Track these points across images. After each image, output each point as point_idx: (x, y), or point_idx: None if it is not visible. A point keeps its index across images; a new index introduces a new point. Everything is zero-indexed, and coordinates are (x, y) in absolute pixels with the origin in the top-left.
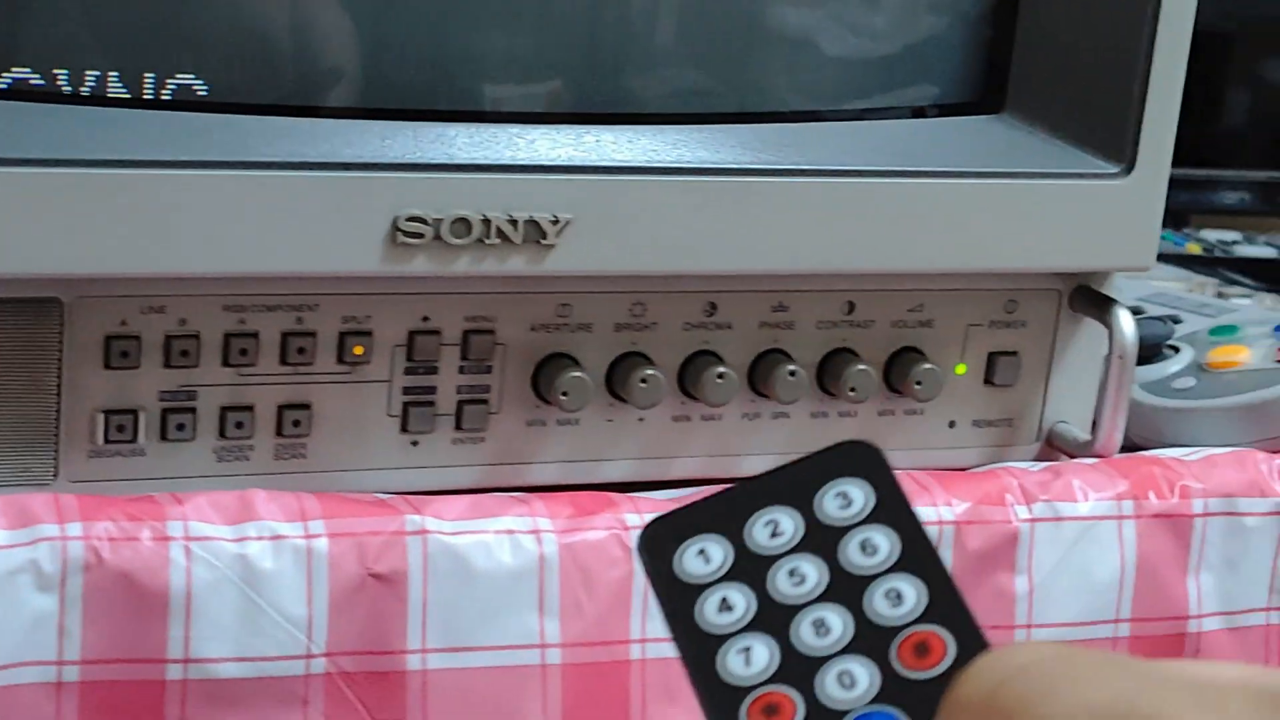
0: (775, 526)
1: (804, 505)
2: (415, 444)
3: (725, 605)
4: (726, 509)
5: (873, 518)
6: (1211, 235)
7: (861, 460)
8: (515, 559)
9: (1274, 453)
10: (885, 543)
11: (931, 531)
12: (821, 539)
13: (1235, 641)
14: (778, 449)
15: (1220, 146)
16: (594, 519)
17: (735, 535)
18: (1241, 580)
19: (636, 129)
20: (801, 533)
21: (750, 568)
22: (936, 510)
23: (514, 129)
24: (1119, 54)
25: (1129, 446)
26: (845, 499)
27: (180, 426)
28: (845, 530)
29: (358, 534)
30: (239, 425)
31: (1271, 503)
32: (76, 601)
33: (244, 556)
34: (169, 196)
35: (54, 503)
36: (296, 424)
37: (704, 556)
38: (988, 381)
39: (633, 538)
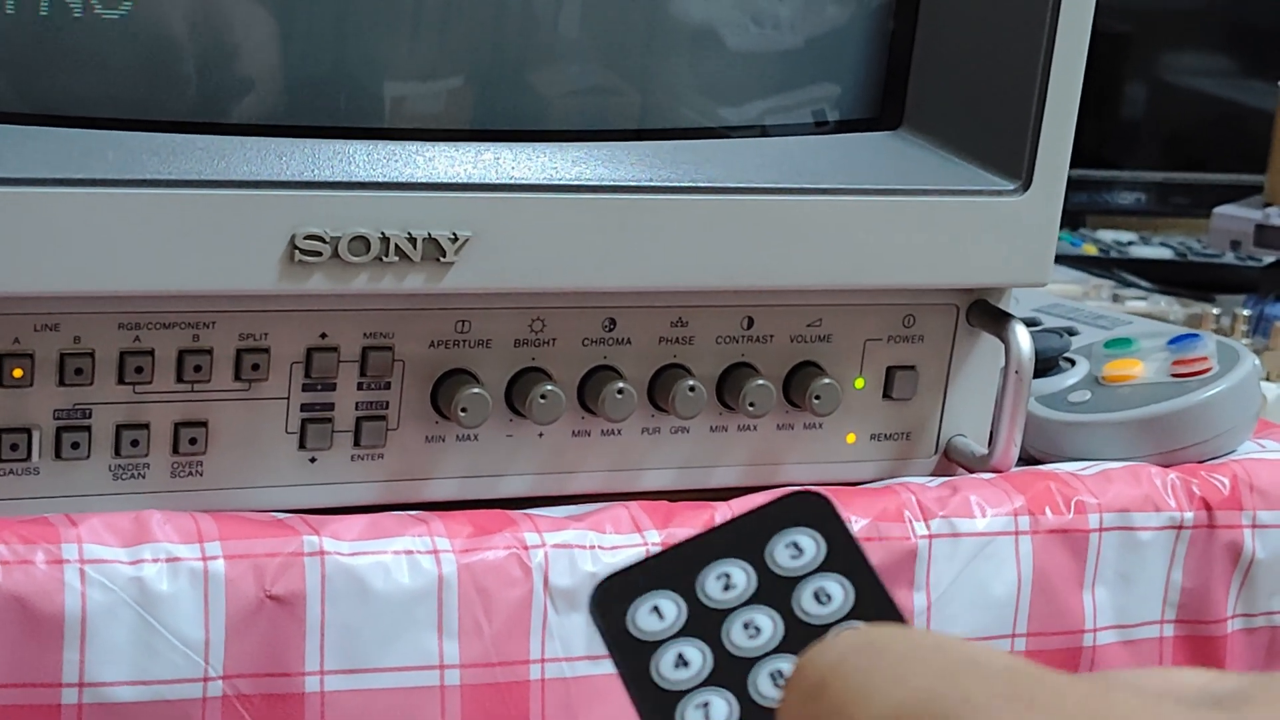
0: (728, 580)
1: (755, 557)
2: (313, 460)
3: (681, 661)
4: (677, 564)
5: (825, 566)
6: (1107, 236)
7: (810, 510)
8: (414, 580)
9: (1168, 467)
10: (839, 590)
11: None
12: (774, 589)
13: (1130, 654)
14: (677, 463)
15: (1116, 147)
16: (493, 538)
17: (688, 590)
18: (1135, 594)
19: (536, 146)
20: (754, 585)
21: (704, 622)
22: None
23: (413, 146)
24: (1016, 72)
25: (1026, 459)
26: (796, 549)
27: (75, 445)
28: (798, 580)
29: (255, 555)
30: (134, 444)
31: (1165, 517)
32: None
33: (139, 579)
34: (62, 214)
35: None
36: (193, 441)
37: (657, 613)
38: (886, 395)
39: (532, 556)
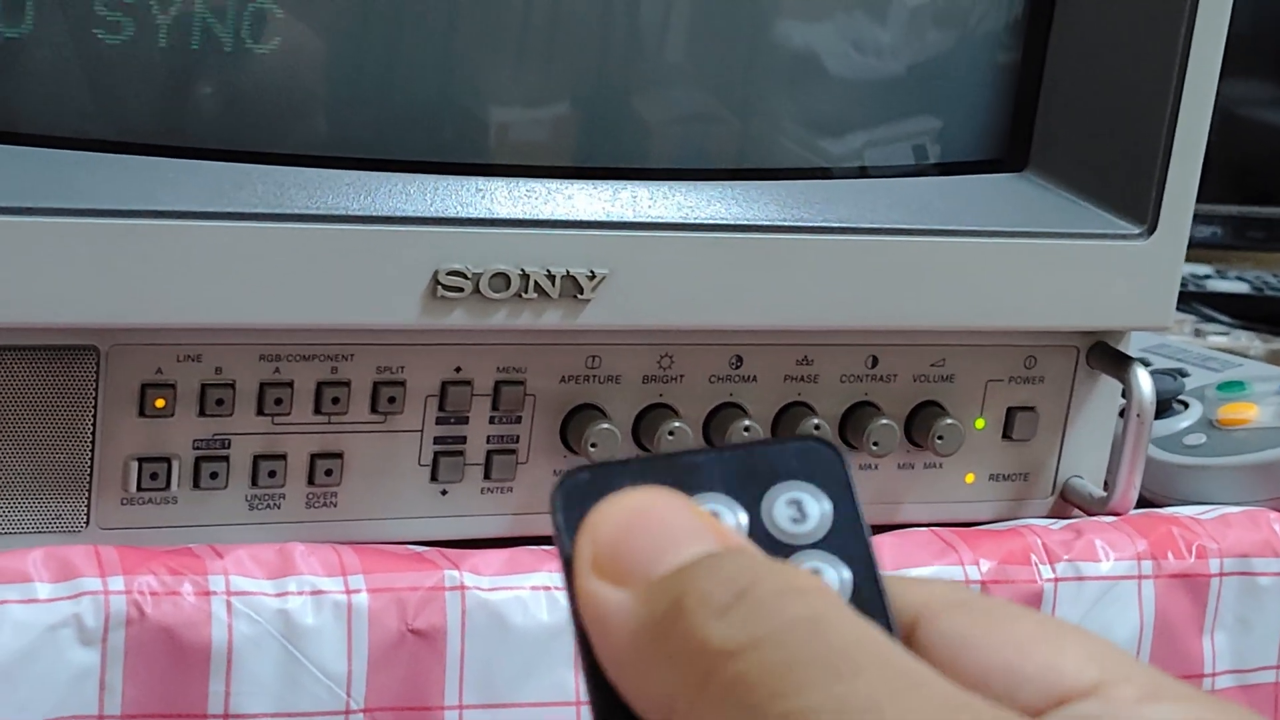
0: (717, 517)
1: (751, 503)
2: (444, 493)
3: None
4: (663, 477)
5: (825, 543)
6: (1185, 269)
7: (822, 466)
8: (551, 615)
9: None
10: (833, 576)
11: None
12: (765, 550)
13: (1246, 698)
14: None
15: None
16: None
17: None
18: (1254, 639)
19: (672, 185)
20: (744, 533)
21: None
22: (963, 569)
23: (553, 184)
24: (1144, 116)
25: (1140, 501)
26: (799, 510)
27: (213, 475)
28: (792, 550)
29: (397, 589)
30: (271, 474)
31: None
32: (118, 656)
33: (285, 612)
34: (209, 247)
35: (94, 555)
36: (329, 473)
37: None
38: (1005, 436)
39: None
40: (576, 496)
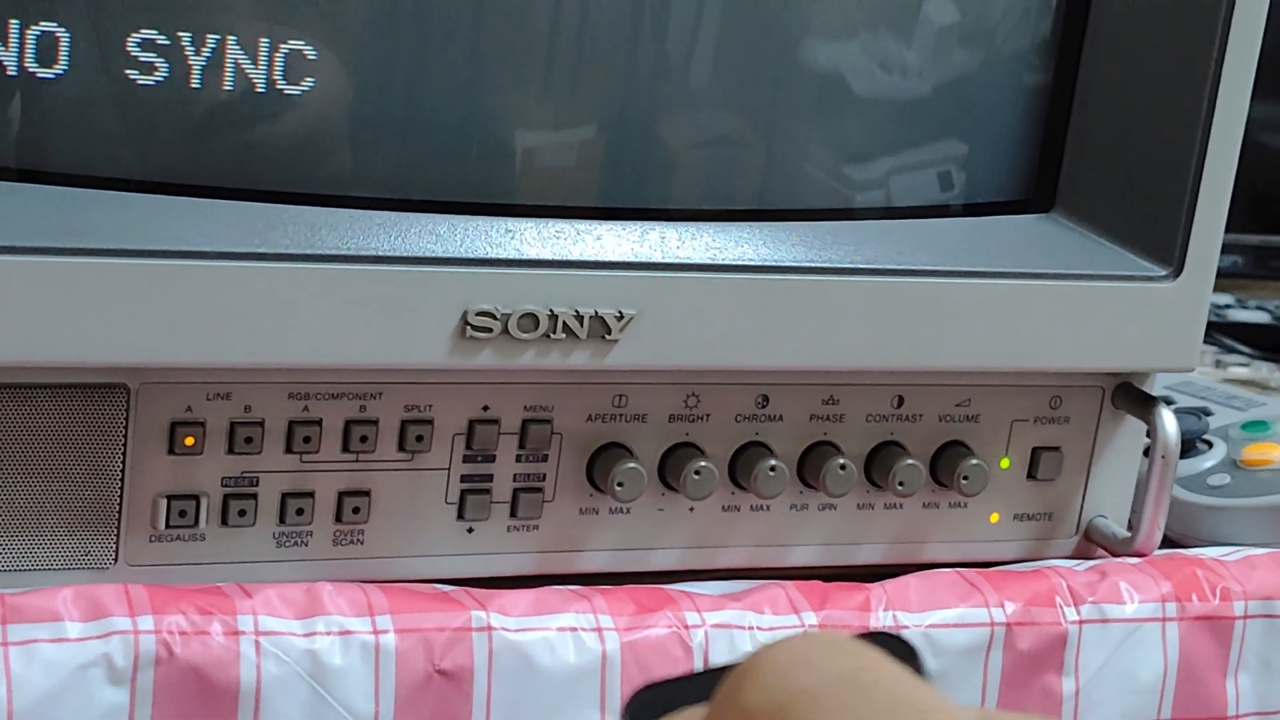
0: None
1: None
2: (471, 531)
3: None
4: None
5: None
6: None
7: (897, 656)
8: (578, 657)
9: None
10: None
11: (983, 634)
12: None
13: None
14: (823, 540)
15: None
16: (654, 616)
17: None
18: (1277, 681)
19: (699, 225)
20: None
21: None
22: (988, 611)
23: (581, 224)
24: (1171, 158)
25: (1164, 541)
26: None
27: (242, 513)
28: None
29: (424, 629)
30: (299, 511)
31: None
32: (147, 695)
33: (313, 652)
34: (240, 287)
35: (124, 594)
36: (356, 510)
37: None
38: (1030, 476)
39: (693, 636)
40: (645, 717)
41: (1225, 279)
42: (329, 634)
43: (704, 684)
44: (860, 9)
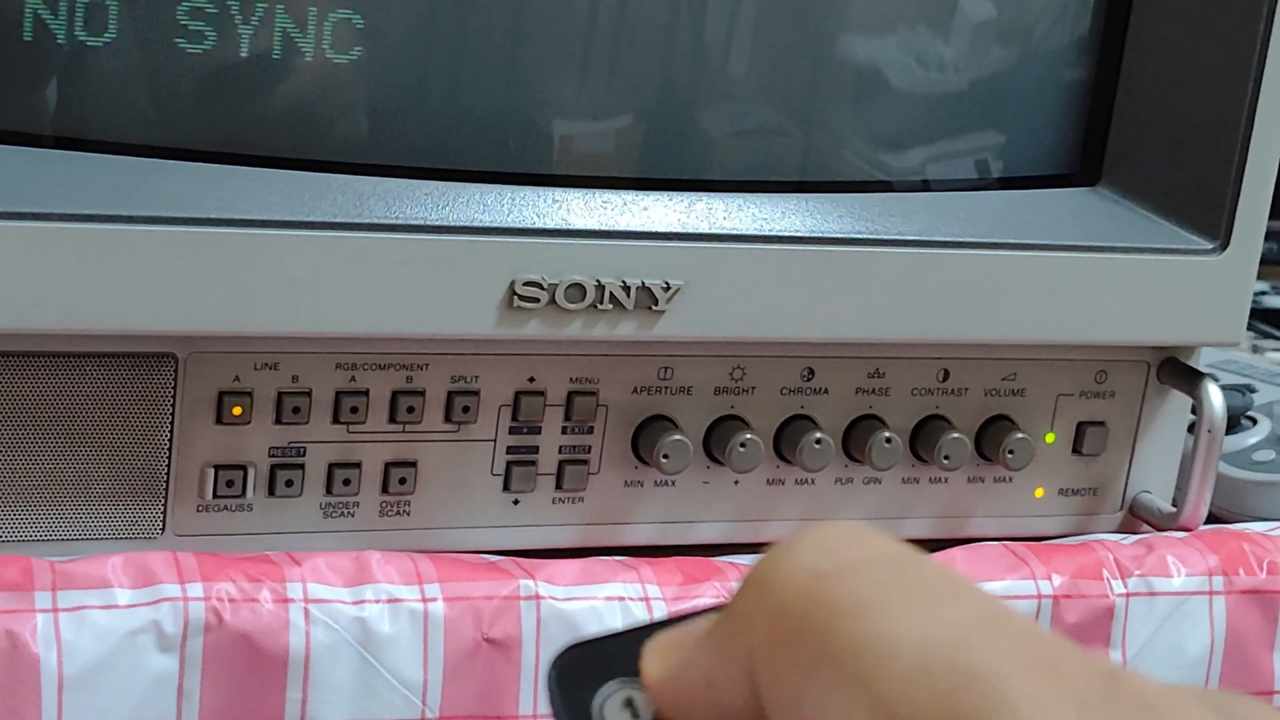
0: None
1: None
2: (516, 502)
3: None
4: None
5: None
6: None
7: None
8: (625, 625)
9: None
10: None
11: (1029, 607)
12: None
13: None
14: (868, 513)
15: None
16: (701, 587)
17: None
18: None
19: (745, 196)
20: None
21: None
22: (1035, 584)
23: (628, 195)
24: (1217, 132)
25: (1208, 517)
26: None
27: (289, 483)
28: None
29: (473, 598)
30: (346, 482)
31: None
32: (196, 662)
33: (362, 619)
34: (288, 256)
35: (173, 561)
36: (402, 481)
37: (630, 710)
38: (1075, 451)
39: None
40: (575, 678)
41: (1261, 265)
42: (378, 602)
43: (632, 640)
44: (899, 5)
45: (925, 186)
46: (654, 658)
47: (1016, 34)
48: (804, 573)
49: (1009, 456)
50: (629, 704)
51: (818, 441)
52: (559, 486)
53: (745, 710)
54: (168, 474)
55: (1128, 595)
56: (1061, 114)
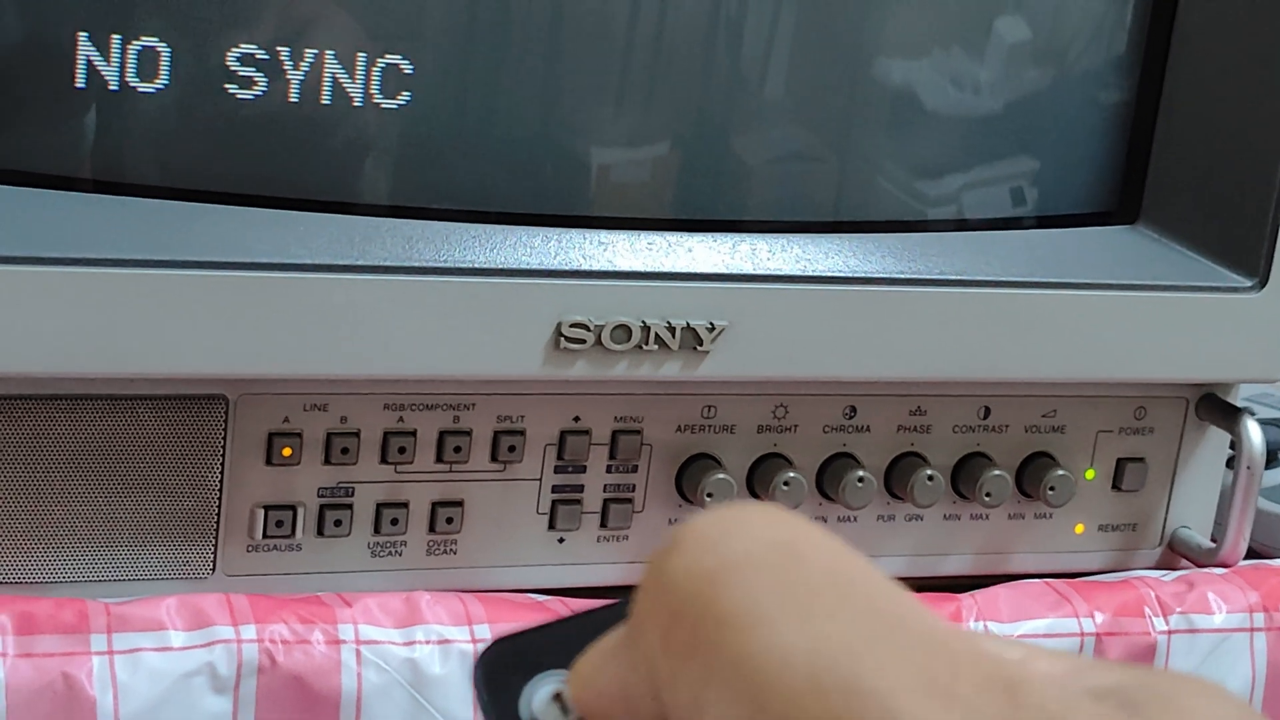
0: None
1: None
2: (561, 541)
3: None
4: (584, 636)
5: None
6: None
7: None
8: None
9: None
10: None
11: (1072, 644)
12: None
13: None
14: (909, 551)
15: None
16: None
17: None
18: None
19: (789, 237)
20: None
21: None
22: (1078, 621)
23: (672, 236)
24: (1258, 170)
25: (1247, 553)
26: None
27: (338, 522)
28: None
29: None
30: (394, 522)
31: None
32: (250, 704)
33: (413, 660)
34: (338, 299)
35: (226, 603)
36: (449, 521)
37: (560, 706)
38: (1115, 487)
39: None
40: (499, 675)
41: None
42: (428, 643)
43: (560, 633)
44: (933, 26)
45: (964, 224)
46: (575, 675)
47: (1053, 60)
48: (690, 573)
49: (1050, 493)
50: (558, 698)
51: (860, 479)
52: (604, 525)
53: (659, 718)
54: (218, 514)
55: (1169, 633)
56: (1099, 154)
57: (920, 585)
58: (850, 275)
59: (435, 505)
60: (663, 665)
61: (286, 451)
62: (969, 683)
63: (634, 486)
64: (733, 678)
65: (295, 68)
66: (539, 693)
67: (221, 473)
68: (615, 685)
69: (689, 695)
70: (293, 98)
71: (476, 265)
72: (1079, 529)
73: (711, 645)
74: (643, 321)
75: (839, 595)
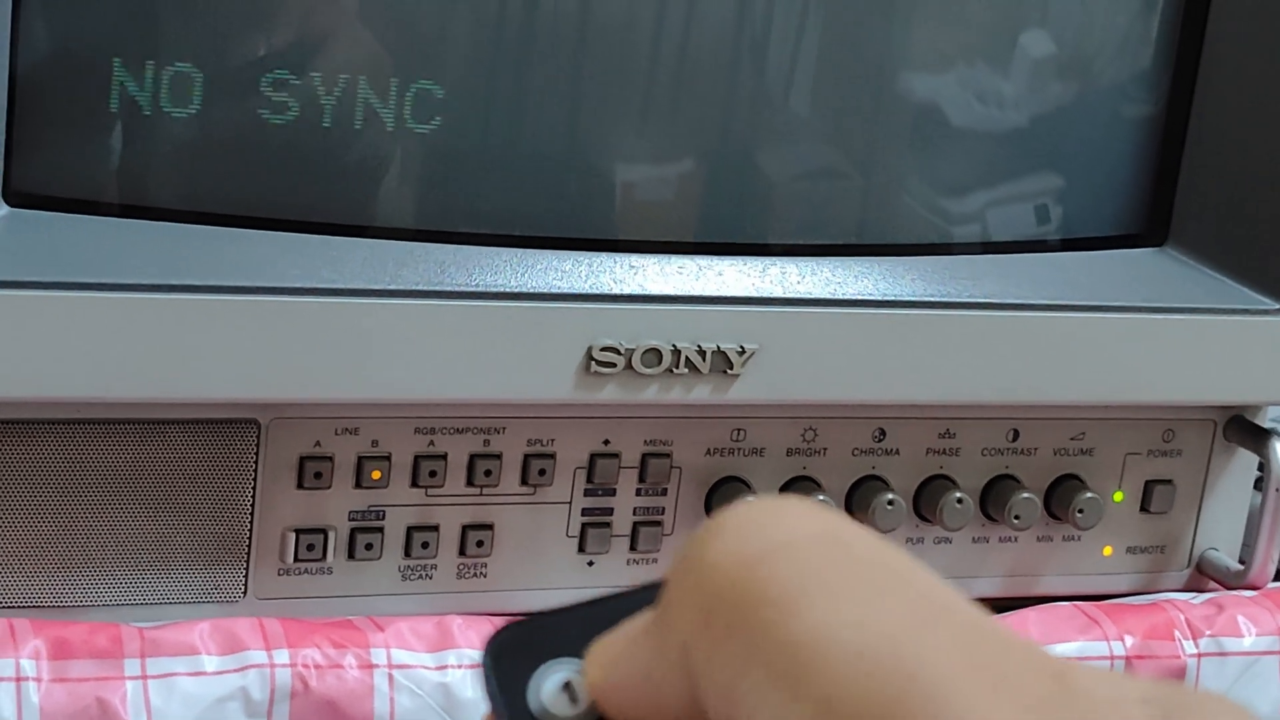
0: None
1: None
2: (591, 564)
3: None
4: (599, 625)
5: None
6: None
7: None
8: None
9: None
10: None
11: (1102, 667)
12: None
13: None
14: (940, 572)
15: None
16: None
17: None
18: None
19: (818, 261)
20: None
21: None
22: (1108, 645)
23: (703, 260)
24: None
25: (1276, 574)
26: None
27: (368, 546)
28: None
29: None
30: (424, 545)
31: None
32: None
33: (445, 685)
34: (369, 324)
35: (259, 628)
36: (480, 544)
37: (569, 695)
38: (1143, 509)
39: None
40: (509, 661)
41: None
42: (460, 667)
43: (572, 619)
44: (959, 43)
45: (992, 246)
46: (595, 662)
47: (1080, 78)
48: (731, 557)
49: (1079, 515)
50: (567, 687)
51: (889, 502)
52: (633, 548)
53: (685, 706)
54: (249, 538)
55: (1199, 655)
56: (1127, 177)
57: None
58: (879, 299)
59: (465, 528)
60: (699, 647)
61: (318, 475)
62: (1020, 666)
63: (663, 509)
64: (776, 658)
65: (328, 93)
66: (549, 680)
67: (253, 496)
68: (639, 671)
69: (726, 677)
70: (325, 122)
71: (508, 289)
72: (1107, 551)
73: (754, 626)
74: (673, 345)
75: (885, 580)
